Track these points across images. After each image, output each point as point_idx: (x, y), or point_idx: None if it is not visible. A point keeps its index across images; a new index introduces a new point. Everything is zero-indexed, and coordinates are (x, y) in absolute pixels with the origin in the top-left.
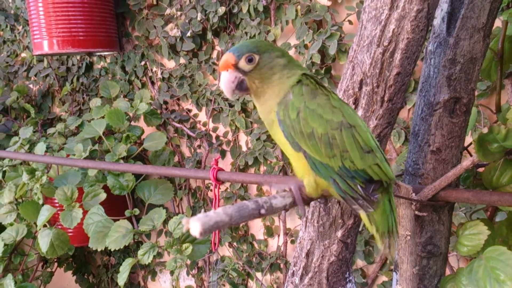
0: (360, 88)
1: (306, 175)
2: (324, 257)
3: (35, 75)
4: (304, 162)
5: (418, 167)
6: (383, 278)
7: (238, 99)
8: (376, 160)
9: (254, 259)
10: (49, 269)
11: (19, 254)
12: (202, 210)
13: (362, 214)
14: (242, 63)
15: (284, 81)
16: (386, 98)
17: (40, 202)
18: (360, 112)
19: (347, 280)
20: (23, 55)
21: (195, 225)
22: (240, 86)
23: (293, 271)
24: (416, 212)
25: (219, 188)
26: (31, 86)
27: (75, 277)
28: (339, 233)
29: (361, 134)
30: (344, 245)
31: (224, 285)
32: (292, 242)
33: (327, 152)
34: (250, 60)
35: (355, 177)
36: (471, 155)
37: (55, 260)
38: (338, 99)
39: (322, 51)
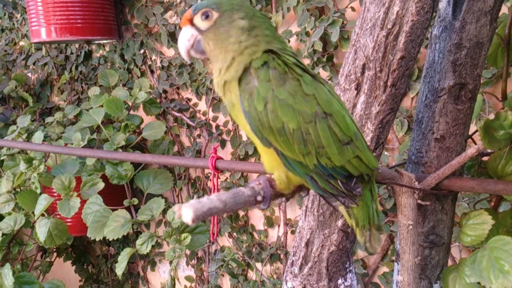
0: (363, 72)
1: (276, 170)
2: (324, 247)
3: (34, 64)
4: (274, 157)
5: (422, 155)
6: (384, 269)
7: None
8: (356, 152)
9: (254, 249)
10: (48, 259)
11: (18, 244)
12: (195, 196)
13: (342, 207)
14: (198, 19)
15: (241, 51)
16: (389, 83)
17: (38, 191)
18: (362, 98)
19: (347, 270)
20: (21, 43)
21: (187, 212)
22: (197, 47)
23: (293, 260)
24: (419, 201)
25: (217, 177)
26: (29, 74)
27: (74, 267)
28: (340, 222)
29: (338, 123)
30: (345, 234)
31: (223, 275)
32: (293, 232)
33: (301, 149)
34: (206, 17)
35: (332, 174)
36: (475, 144)
37: (54, 250)
38: (311, 81)
39: (324, 39)
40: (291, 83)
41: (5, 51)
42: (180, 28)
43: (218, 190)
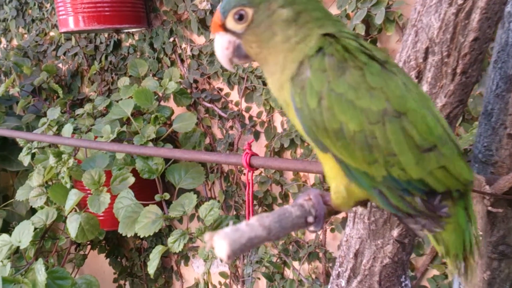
0: (426, 58)
1: (334, 180)
2: (376, 259)
3: (64, 54)
4: (333, 164)
5: (491, 153)
6: (434, 272)
7: None
8: (441, 161)
9: (290, 247)
10: (82, 252)
11: (50, 238)
12: (231, 223)
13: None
14: (230, 22)
15: (292, 48)
16: (458, 70)
17: (68, 186)
18: (424, 88)
19: (403, 284)
20: (51, 33)
21: (221, 245)
22: (239, 53)
23: (339, 272)
24: (489, 208)
25: (252, 174)
26: (60, 65)
27: (108, 259)
28: (395, 232)
29: (416, 124)
30: (401, 245)
31: (259, 278)
32: (332, 230)
33: (364, 156)
34: (240, 17)
35: (408, 189)
36: None
37: (88, 243)
38: (379, 70)
39: (367, 21)
40: (353, 73)
41: (36, 41)
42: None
43: (253, 186)
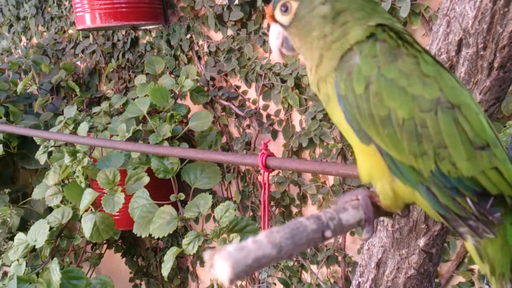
0: (459, 51)
1: (378, 179)
2: (400, 270)
3: (82, 52)
4: (376, 160)
5: None
6: (459, 279)
7: (291, 73)
8: (494, 162)
9: (308, 250)
10: (98, 251)
11: (66, 237)
12: (235, 240)
13: (469, 244)
14: (278, 14)
15: (328, 46)
16: (496, 64)
17: (83, 185)
18: None
19: None
20: (70, 31)
21: (222, 266)
22: (286, 44)
23: (359, 282)
24: None
25: (268, 175)
26: (78, 63)
27: (124, 259)
28: (422, 242)
29: (470, 119)
30: (428, 255)
31: (275, 284)
32: (352, 234)
33: (413, 147)
34: (285, 9)
35: (457, 187)
36: None
37: (104, 242)
38: (433, 61)
39: (391, 14)
40: (405, 60)
41: (55, 39)
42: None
43: (269, 187)
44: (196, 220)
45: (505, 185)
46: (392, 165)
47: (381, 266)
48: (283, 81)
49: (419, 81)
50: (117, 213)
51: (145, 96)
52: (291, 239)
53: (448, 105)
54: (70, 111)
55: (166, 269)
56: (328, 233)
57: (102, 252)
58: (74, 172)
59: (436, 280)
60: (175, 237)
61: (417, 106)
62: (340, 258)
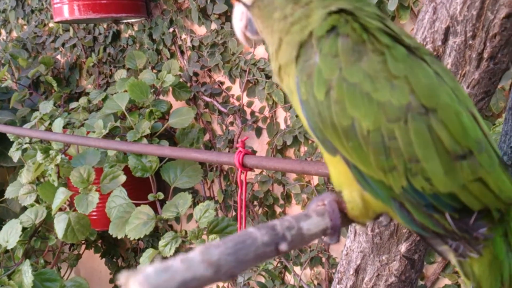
0: (445, 40)
1: (346, 187)
2: (380, 277)
3: (62, 46)
4: (344, 170)
5: None
6: (445, 281)
7: None
8: (478, 172)
9: (291, 251)
10: (76, 251)
11: (41, 238)
12: (157, 259)
13: (453, 259)
14: None
15: (287, 29)
16: (486, 55)
17: (55, 184)
18: None
19: None
20: (50, 25)
21: None
22: (251, 27)
23: None
24: None
25: (246, 175)
26: (59, 57)
27: (104, 259)
28: (403, 247)
29: (448, 124)
30: (409, 262)
31: None
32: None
33: (380, 161)
34: None
35: (433, 205)
36: None
37: (82, 242)
38: (404, 55)
39: (379, 7)
40: (371, 58)
41: (35, 33)
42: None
43: (246, 188)
44: (178, 220)
45: (491, 197)
46: (360, 178)
47: (360, 273)
48: (268, 77)
49: (386, 84)
50: (94, 213)
51: (124, 91)
52: (234, 255)
53: (421, 110)
54: (46, 106)
55: None
56: (283, 246)
57: (81, 252)
58: (47, 171)
59: (422, 283)
60: (156, 238)
61: (384, 115)
62: (324, 260)
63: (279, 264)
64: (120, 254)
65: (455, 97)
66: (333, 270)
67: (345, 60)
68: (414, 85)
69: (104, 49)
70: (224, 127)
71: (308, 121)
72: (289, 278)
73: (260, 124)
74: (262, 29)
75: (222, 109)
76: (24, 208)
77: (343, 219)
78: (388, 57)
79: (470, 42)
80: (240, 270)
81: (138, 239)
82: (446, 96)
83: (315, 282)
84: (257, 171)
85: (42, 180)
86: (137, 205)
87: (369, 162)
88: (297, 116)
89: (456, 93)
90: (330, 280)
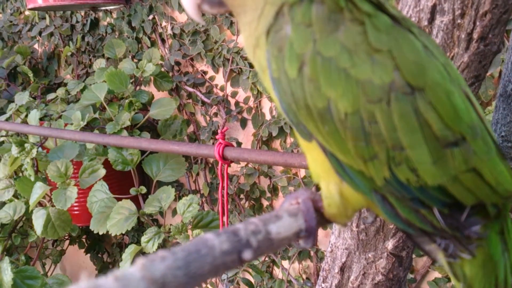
0: (432, 19)
1: (323, 179)
2: (366, 275)
3: (40, 35)
4: (321, 158)
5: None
6: (435, 274)
7: None
8: (471, 161)
9: None
10: (59, 248)
11: (20, 234)
12: (84, 276)
13: (442, 260)
14: None
15: None
16: (475, 35)
17: (32, 178)
18: None
19: None
20: (26, 13)
21: None
22: None
23: None
24: None
25: (227, 168)
26: (36, 47)
27: (89, 255)
28: (390, 244)
29: (437, 105)
30: (397, 259)
31: (239, 285)
32: (324, 228)
33: (359, 149)
34: None
35: (420, 199)
36: None
37: (66, 237)
38: (388, 25)
39: None
40: (349, 28)
41: (10, 21)
42: None
43: (227, 181)
44: (162, 214)
45: (486, 190)
46: (338, 167)
47: (346, 271)
48: (252, 66)
49: (367, 59)
50: (76, 208)
51: (103, 81)
52: (184, 268)
53: (406, 90)
54: (22, 97)
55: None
56: (247, 254)
57: (64, 248)
58: (23, 165)
59: (411, 276)
60: (141, 232)
61: (364, 95)
62: (312, 253)
63: (267, 259)
64: (105, 249)
65: (447, 75)
66: (322, 264)
67: (319, 31)
68: (399, 60)
69: (83, 38)
70: (208, 118)
71: (280, 102)
72: (277, 272)
73: (245, 115)
74: None
75: (206, 99)
76: (3, 204)
77: (319, 220)
78: (369, 27)
79: (459, 21)
80: (192, 287)
81: (123, 234)
82: (436, 73)
83: (304, 276)
84: (243, 163)
85: (20, 174)
86: (119, 199)
87: (347, 149)
88: None
89: (448, 69)
90: (319, 274)
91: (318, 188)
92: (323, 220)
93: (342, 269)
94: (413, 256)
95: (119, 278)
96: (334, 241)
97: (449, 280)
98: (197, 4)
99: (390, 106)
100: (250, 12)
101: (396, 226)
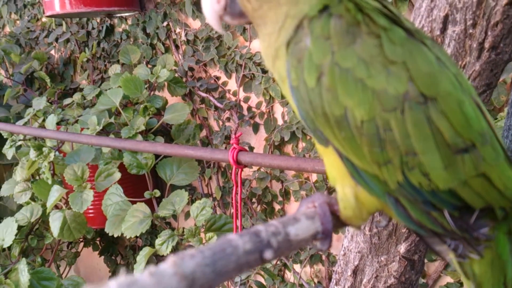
0: (444, 29)
1: (339, 183)
2: (379, 278)
3: (56, 41)
4: (337, 162)
5: None
6: (447, 279)
7: None
8: (481, 167)
9: None
10: (74, 250)
11: (37, 236)
12: (122, 271)
13: (452, 260)
14: None
15: (296, 0)
16: (487, 45)
17: (49, 181)
18: None
19: None
20: (43, 19)
21: None
22: (232, 8)
23: None
24: None
25: (241, 172)
26: (53, 53)
27: (103, 257)
28: (402, 248)
29: (449, 114)
30: (409, 263)
31: (251, 287)
32: (336, 232)
33: (374, 154)
34: None
35: (432, 202)
36: None
37: (81, 240)
38: (403, 38)
39: None
40: (366, 41)
41: (28, 28)
42: None
43: (241, 185)
44: (176, 217)
45: (495, 194)
46: (354, 172)
47: (358, 274)
48: (264, 71)
49: (382, 70)
50: (91, 211)
51: (118, 87)
52: (212, 266)
53: (420, 100)
54: (39, 102)
55: (139, 271)
56: (268, 254)
57: (79, 250)
58: (41, 168)
59: (423, 281)
60: (154, 235)
61: (379, 104)
62: (324, 257)
63: (278, 262)
64: (119, 251)
65: (458, 85)
66: (333, 268)
67: (337, 43)
68: (412, 71)
69: (98, 44)
70: (221, 123)
71: (299, 109)
72: (289, 276)
73: (257, 119)
74: (257, 6)
75: (218, 104)
76: (21, 206)
77: (335, 223)
78: (384, 40)
79: (471, 31)
80: (218, 283)
81: (136, 237)
82: (448, 83)
83: (315, 280)
84: (255, 167)
85: (37, 177)
86: (133, 202)
87: (363, 154)
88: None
89: (459, 79)
90: (331, 278)
91: (330, 192)
92: (339, 223)
93: (355, 272)
94: (425, 260)
95: (154, 273)
96: (347, 244)
97: (461, 285)
98: (219, 15)
99: (404, 115)
100: (270, 24)
101: (408, 229)
